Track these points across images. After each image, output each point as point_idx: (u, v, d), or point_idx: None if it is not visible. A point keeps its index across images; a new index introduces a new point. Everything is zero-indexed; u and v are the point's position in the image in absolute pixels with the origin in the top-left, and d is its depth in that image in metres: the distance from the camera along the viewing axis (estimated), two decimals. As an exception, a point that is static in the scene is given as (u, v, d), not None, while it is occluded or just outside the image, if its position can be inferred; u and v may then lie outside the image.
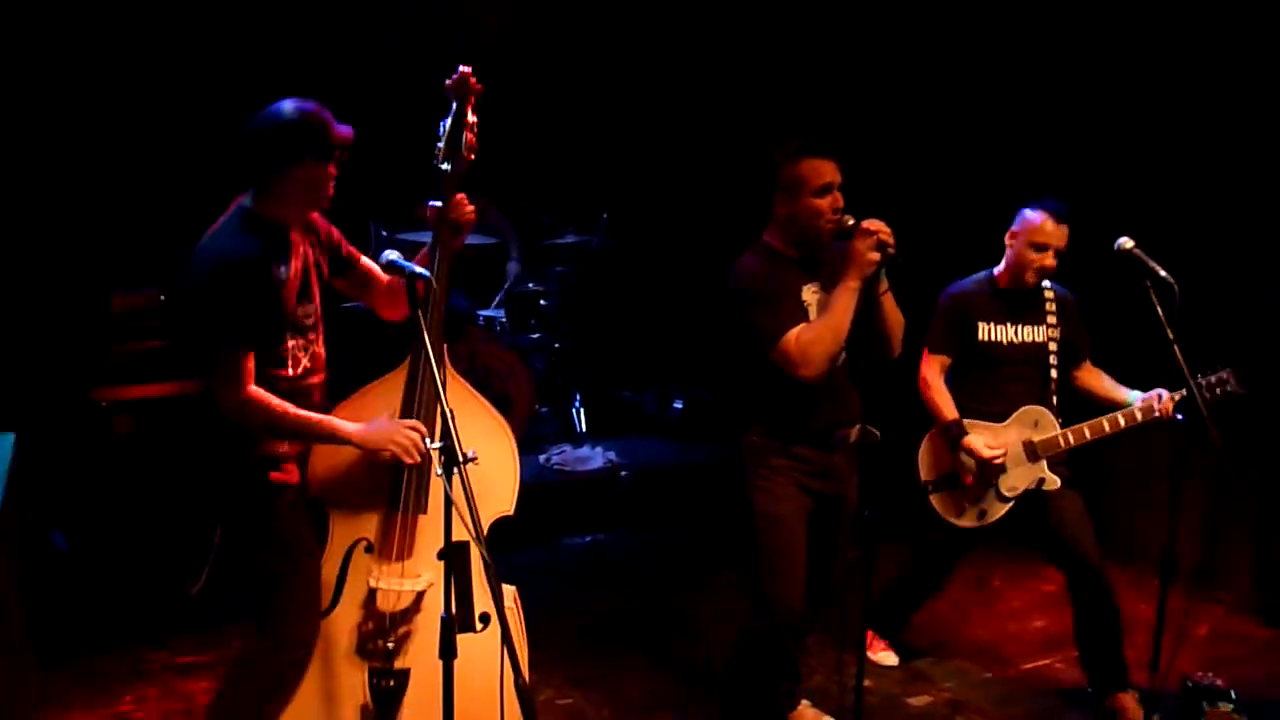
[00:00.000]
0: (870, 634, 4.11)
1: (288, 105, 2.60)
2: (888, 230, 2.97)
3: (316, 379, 2.79)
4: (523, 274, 6.29)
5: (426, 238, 5.74)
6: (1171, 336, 3.10)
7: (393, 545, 2.81)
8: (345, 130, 2.65)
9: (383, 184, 5.67)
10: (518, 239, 6.31)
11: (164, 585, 4.24)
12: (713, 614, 4.50)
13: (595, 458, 5.66)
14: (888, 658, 4.11)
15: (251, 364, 2.55)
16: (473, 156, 2.81)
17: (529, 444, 5.77)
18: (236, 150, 2.60)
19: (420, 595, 2.80)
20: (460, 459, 2.19)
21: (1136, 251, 3.21)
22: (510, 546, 2.98)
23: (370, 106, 5.44)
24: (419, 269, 2.44)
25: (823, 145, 3.12)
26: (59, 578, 4.39)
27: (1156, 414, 3.55)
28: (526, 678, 2.18)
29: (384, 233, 5.62)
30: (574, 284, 6.18)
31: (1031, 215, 3.60)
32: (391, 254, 2.50)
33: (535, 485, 5.12)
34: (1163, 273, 3.13)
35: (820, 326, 3.05)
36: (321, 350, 2.80)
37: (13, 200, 4.81)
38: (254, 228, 2.59)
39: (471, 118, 2.80)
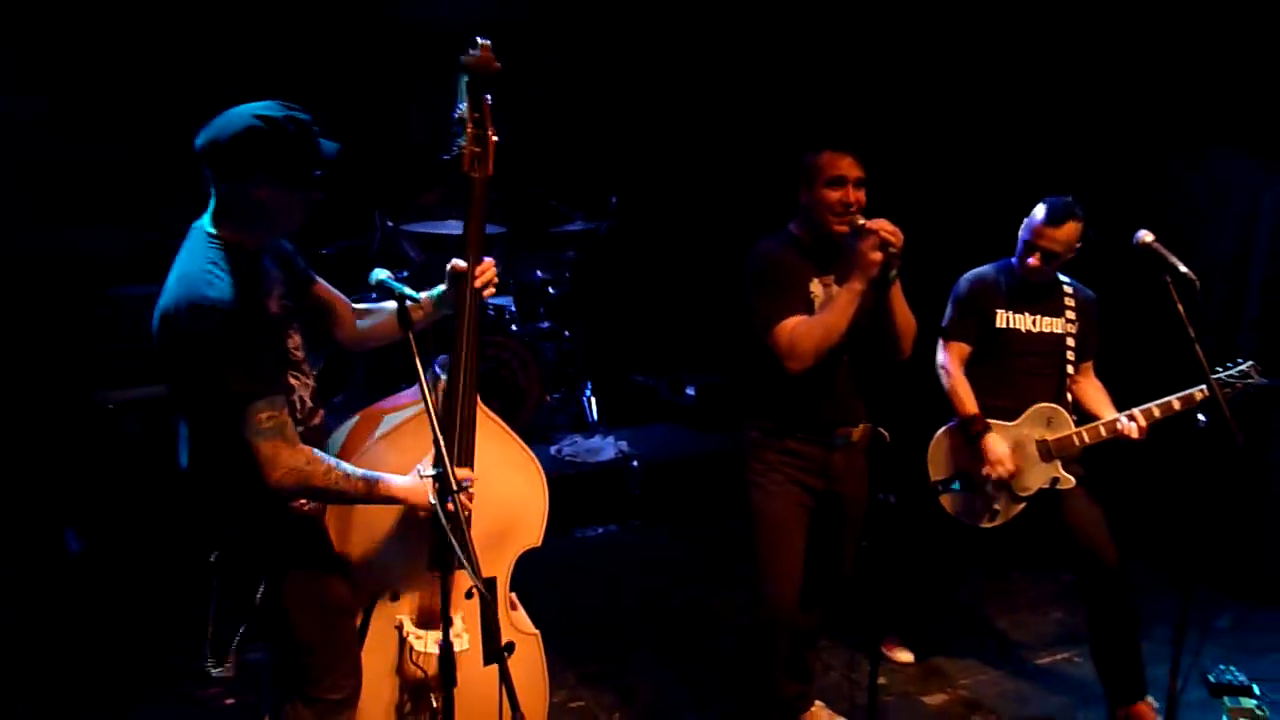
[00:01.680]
0: (888, 634, 4.06)
1: (244, 109, 2.31)
2: (890, 228, 2.90)
3: (320, 417, 2.60)
4: (506, 265, 6.18)
5: (435, 228, 5.71)
6: (1192, 334, 3.00)
7: (435, 613, 2.63)
8: (326, 149, 2.36)
9: (388, 173, 5.61)
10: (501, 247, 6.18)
11: (175, 586, 4.23)
12: (728, 608, 4.45)
13: (607, 448, 5.61)
14: (903, 655, 4.07)
15: (293, 420, 2.31)
16: (495, 138, 2.53)
17: (540, 434, 5.73)
18: (194, 158, 2.33)
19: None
20: (454, 488, 2.12)
21: (1156, 245, 3.11)
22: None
23: (376, 92, 5.42)
24: (409, 291, 2.33)
25: (846, 139, 3.07)
26: (71, 577, 4.41)
27: (1132, 437, 3.48)
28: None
29: (390, 224, 5.56)
30: (583, 270, 6.11)
31: (1034, 211, 3.53)
32: (381, 273, 2.39)
33: (547, 476, 5.07)
34: (1183, 268, 3.03)
35: (815, 322, 3.01)
36: (314, 383, 2.59)
37: (12, 197, 4.77)
38: (227, 256, 2.32)
39: (488, 101, 2.54)
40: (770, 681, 3.33)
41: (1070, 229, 3.48)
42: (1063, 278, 3.68)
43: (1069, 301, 3.65)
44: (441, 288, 2.64)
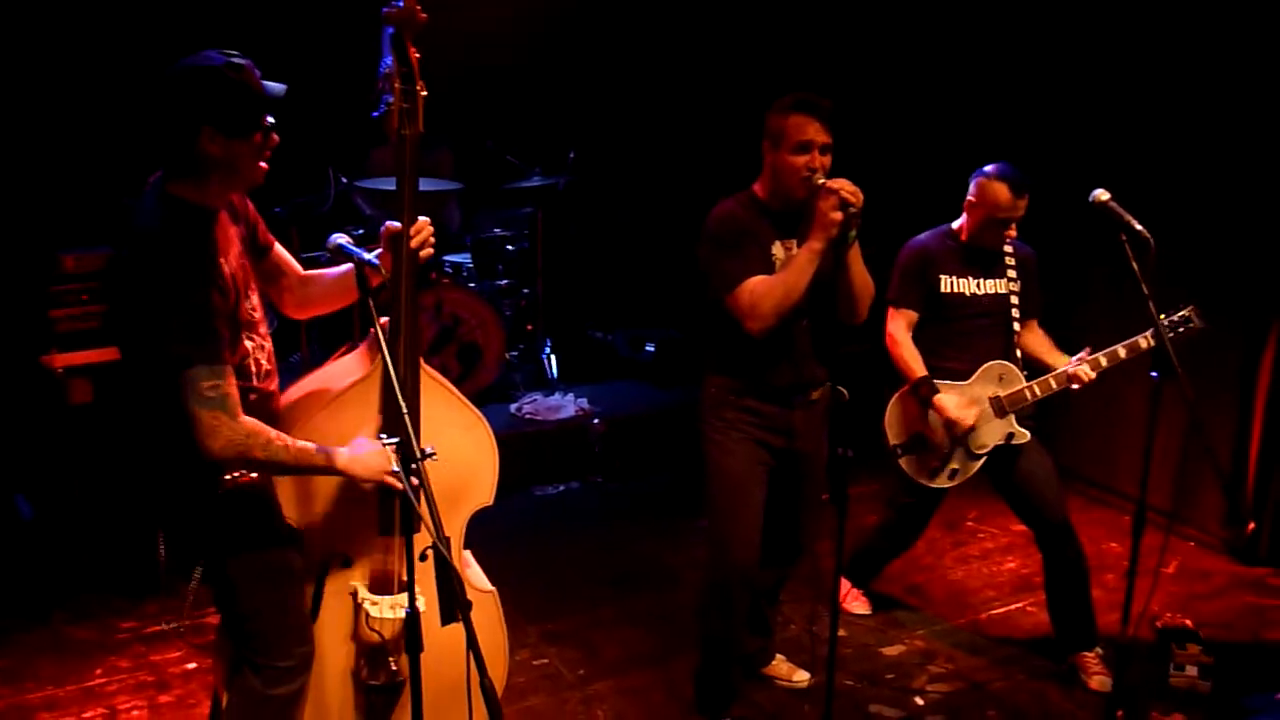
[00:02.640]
0: (844, 583, 4.13)
1: (182, 64, 2.23)
2: (851, 188, 2.89)
3: (274, 382, 2.55)
4: (464, 222, 6.13)
5: (388, 184, 5.62)
6: (1147, 291, 3.04)
7: (392, 576, 2.65)
8: (272, 90, 2.29)
9: (341, 128, 5.49)
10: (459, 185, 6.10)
11: (131, 551, 4.19)
12: (689, 563, 4.50)
13: (567, 406, 5.60)
14: (860, 607, 4.14)
15: (237, 389, 2.26)
16: (424, 93, 2.46)
17: (499, 392, 5.71)
18: (141, 118, 2.27)
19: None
20: (417, 455, 2.10)
21: (1112, 204, 3.13)
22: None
23: (328, 44, 5.28)
24: (369, 256, 2.28)
25: (814, 103, 3.04)
26: (24, 545, 4.34)
27: (1083, 380, 3.55)
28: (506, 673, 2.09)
29: (344, 180, 5.46)
30: (541, 226, 6.05)
31: (991, 188, 3.54)
32: (339, 238, 2.34)
33: (507, 435, 5.05)
34: (1138, 226, 3.06)
35: (775, 281, 3.01)
36: (271, 344, 2.56)
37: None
38: (181, 214, 2.27)
39: (415, 54, 2.45)
40: (731, 637, 3.37)
41: (1027, 195, 3.55)
42: None
43: (1010, 261, 3.70)
44: (379, 251, 2.54)
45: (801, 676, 3.68)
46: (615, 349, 6.37)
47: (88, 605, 4.02)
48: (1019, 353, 3.70)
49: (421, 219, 2.50)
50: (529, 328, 6.08)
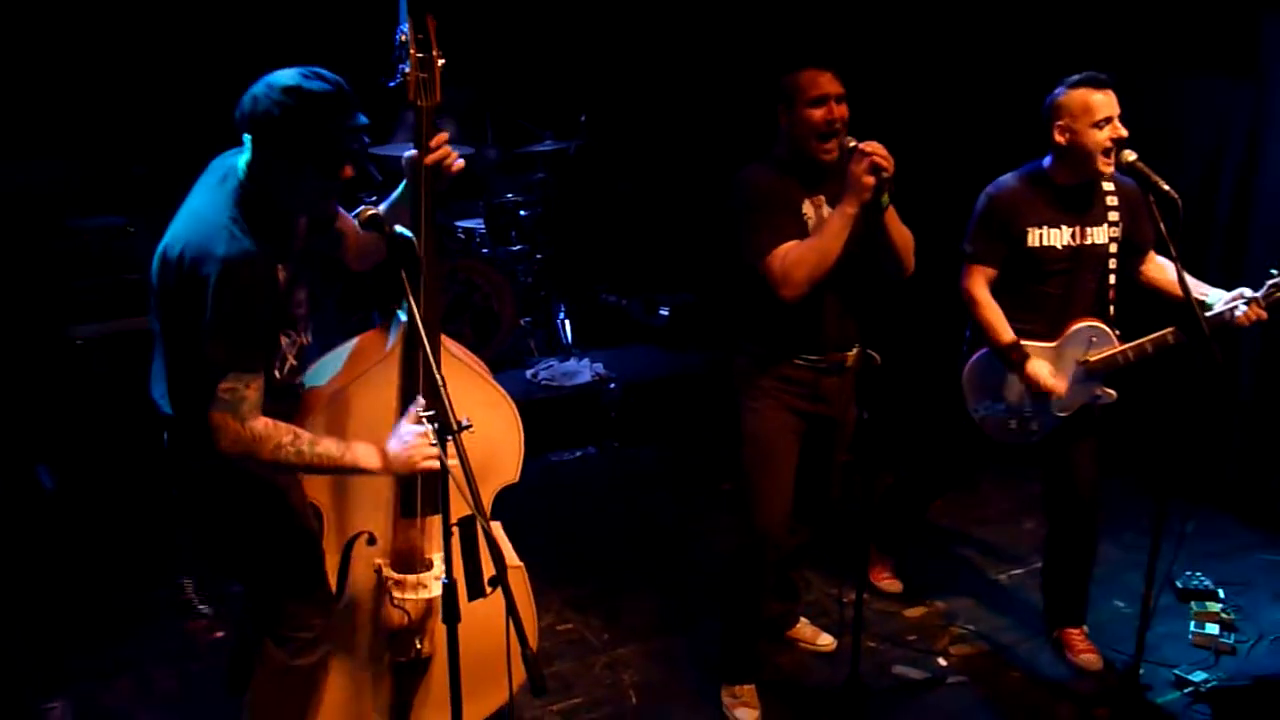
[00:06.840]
0: (876, 560, 4.10)
1: (276, 84, 2.19)
2: (884, 152, 2.85)
3: (301, 375, 2.54)
4: (501, 175, 6.11)
5: (399, 150, 5.60)
6: (1174, 253, 3.02)
7: (417, 554, 2.68)
8: (357, 122, 2.25)
9: (355, 93, 5.45)
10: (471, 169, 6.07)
11: (157, 520, 4.21)
12: (709, 526, 4.52)
13: (583, 371, 5.60)
14: (892, 586, 4.08)
15: (261, 391, 2.26)
16: (442, 61, 2.42)
17: (514, 358, 5.72)
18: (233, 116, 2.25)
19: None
20: (454, 427, 2.10)
21: (1139, 164, 3.09)
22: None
23: (339, 5, 5.23)
24: (400, 229, 2.26)
25: (822, 56, 3.01)
26: (47, 515, 4.36)
27: (1237, 319, 3.20)
28: (535, 645, 2.14)
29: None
30: (553, 191, 6.02)
31: (1073, 100, 3.18)
32: (370, 209, 2.33)
33: (523, 401, 5.02)
34: (1165, 186, 3.02)
35: (807, 248, 2.97)
36: (308, 339, 2.51)
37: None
38: (253, 210, 2.24)
39: (433, 21, 2.39)
40: (757, 602, 3.38)
41: (1111, 90, 3.17)
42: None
43: (1111, 200, 3.31)
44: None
45: (826, 640, 3.71)
46: (629, 313, 6.35)
47: (117, 575, 4.03)
48: (1113, 310, 3.38)
49: (441, 133, 2.48)
50: (542, 293, 6.07)
